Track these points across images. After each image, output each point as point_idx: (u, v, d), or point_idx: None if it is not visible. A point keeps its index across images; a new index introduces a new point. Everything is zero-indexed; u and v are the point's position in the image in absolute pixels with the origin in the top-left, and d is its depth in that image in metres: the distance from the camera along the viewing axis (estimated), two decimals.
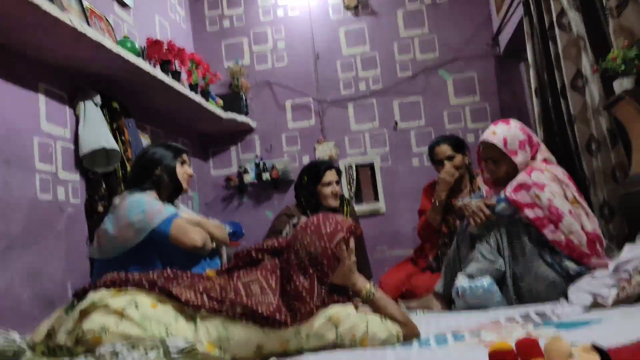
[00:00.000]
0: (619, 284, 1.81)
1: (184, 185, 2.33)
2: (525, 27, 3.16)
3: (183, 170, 2.34)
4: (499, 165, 2.29)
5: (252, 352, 1.55)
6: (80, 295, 1.59)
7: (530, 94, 3.50)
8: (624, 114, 2.08)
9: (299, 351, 1.57)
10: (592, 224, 2.12)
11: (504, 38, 3.94)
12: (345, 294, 1.70)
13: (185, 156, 2.36)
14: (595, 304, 1.80)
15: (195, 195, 4.25)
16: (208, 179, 4.42)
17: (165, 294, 1.57)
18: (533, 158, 2.28)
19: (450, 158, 2.90)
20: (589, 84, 2.59)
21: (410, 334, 1.65)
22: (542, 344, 0.99)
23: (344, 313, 1.60)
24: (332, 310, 1.59)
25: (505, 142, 2.25)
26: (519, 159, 2.25)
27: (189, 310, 1.55)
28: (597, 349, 0.91)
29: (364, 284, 1.72)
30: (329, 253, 1.64)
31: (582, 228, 2.10)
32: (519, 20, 3.40)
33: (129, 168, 2.84)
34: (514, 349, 1.02)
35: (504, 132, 2.29)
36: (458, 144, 2.94)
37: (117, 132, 2.86)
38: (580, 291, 1.91)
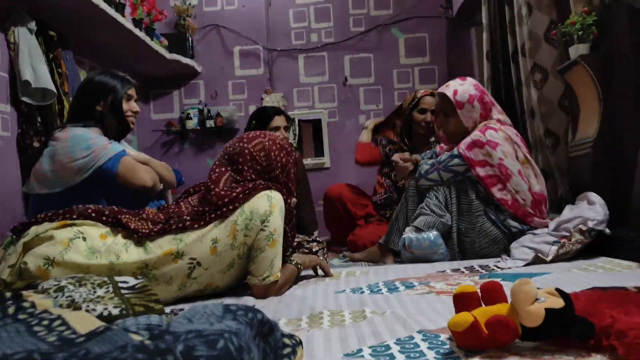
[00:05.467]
0: (559, 241, 1.90)
1: (130, 124, 2.17)
2: None
3: (129, 107, 2.16)
4: (449, 118, 2.35)
5: (208, 248, 1.55)
6: (20, 230, 1.48)
7: (480, 58, 3.55)
8: (576, 79, 2.14)
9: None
10: (539, 185, 2.21)
11: (457, 0, 3.95)
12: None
13: (133, 90, 2.17)
14: (536, 259, 1.88)
15: (134, 139, 4.06)
16: (148, 122, 4.23)
17: (113, 223, 1.53)
18: (487, 117, 2.32)
19: (433, 112, 2.91)
20: (539, 49, 2.62)
21: (277, 286, 1.64)
22: (505, 290, 1.02)
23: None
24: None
25: (455, 93, 2.31)
26: (463, 111, 2.30)
27: (137, 238, 1.53)
28: (561, 292, 0.94)
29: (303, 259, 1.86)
30: (245, 152, 1.70)
31: (530, 188, 2.18)
32: None
33: (65, 103, 2.66)
34: (478, 292, 1.03)
35: (457, 85, 2.35)
36: None
37: (53, 64, 2.66)
38: (522, 247, 1.99)
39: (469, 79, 2.38)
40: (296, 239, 2.19)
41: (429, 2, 4.18)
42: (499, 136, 2.20)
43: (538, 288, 0.96)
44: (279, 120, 2.92)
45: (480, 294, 1.03)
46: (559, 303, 0.92)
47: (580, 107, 2.20)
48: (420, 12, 4.18)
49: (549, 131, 2.50)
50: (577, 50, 2.06)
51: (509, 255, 2.04)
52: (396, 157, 2.49)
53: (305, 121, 4.22)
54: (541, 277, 1.63)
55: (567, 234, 1.91)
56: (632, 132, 1.92)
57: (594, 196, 1.97)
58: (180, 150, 4.25)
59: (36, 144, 2.42)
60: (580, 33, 2.02)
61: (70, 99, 2.68)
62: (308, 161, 4.13)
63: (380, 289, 1.62)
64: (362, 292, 1.59)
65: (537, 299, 0.93)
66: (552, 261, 1.87)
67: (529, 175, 2.19)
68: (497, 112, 2.35)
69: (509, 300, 0.98)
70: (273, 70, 4.24)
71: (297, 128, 4.16)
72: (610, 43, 2.03)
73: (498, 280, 1.64)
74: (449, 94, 2.31)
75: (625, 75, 1.96)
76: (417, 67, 4.22)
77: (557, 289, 0.96)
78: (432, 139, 2.97)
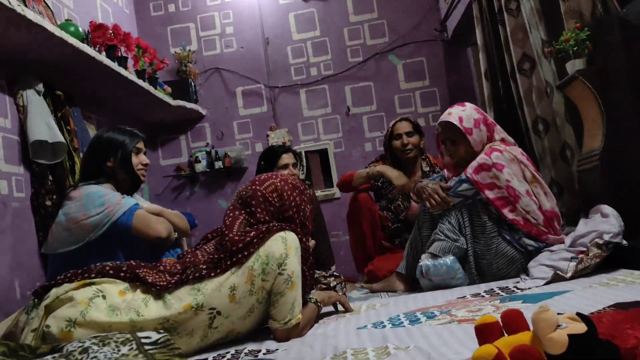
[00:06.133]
0: (576, 257, 1.88)
1: (141, 177, 2.19)
2: (475, 12, 3.22)
3: (139, 160, 2.18)
4: (457, 146, 2.33)
5: (227, 296, 1.55)
6: (40, 293, 1.51)
7: (479, 77, 3.58)
8: (576, 94, 2.16)
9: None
10: (550, 202, 2.19)
11: (452, 23, 4.01)
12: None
13: (141, 144, 2.20)
14: (555, 277, 1.87)
15: (145, 187, 4.11)
16: (157, 169, 4.29)
17: (131, 278, 1.54)
18: (491, 139, 2.33)
19: (409, 134, 2.96)
20: (536, 67, 2.66)
21: (299, 329, 1.63)
22: (526, 315, 1.02)
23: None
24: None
25: (460, 120, 2.30)
26: (474, 136, 2.29)
27: (156, 291, 1.54)
28: (582, 316, 0.94)
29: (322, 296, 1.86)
30: (258, 195, 1.70)
31: (540, 207, 2.17)
32: (467, 6, 3.47)
33: (76, 159, 2.71)
34: (499, 321, 1.03)
35: (459, 111, 2.34)
36: (417, 126, 3.03)
37: (61, 122, 2.72)
38: (540, 265, 1.98)
39: (468, 104, 2.39)
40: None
41: (423, 26, 4.25)
42: (505, 158, 2.20)
43: (558, 314, 0.96)
44: (286, 158, 2.94)
45: (501, 324, 1.03)
46: (581, 328, 0.92)
47: (583, 121, 2.20)
48: (416, 37, 4.25)
49: (567, 144, 2.52)
50: (573, 65, 2.08)
51: (527, 275, 2.03)
52: (430, 189, 2.32)
53: (312, 152, 4.26)
54: (562, 295, 1.62)
55: (584, 248, 1.90)
56: (636, 141, 1.92)
57: (606, 208, 1.96)
58: (191, 193, 4.29)
59: (48, 203, 2.47)
60: (575, 49, 2.05)
61: (80, 154, 2.74)
62: (318, 193, 4.15)
63: (402, 322, 1.61)
64: (384, 327, 1.58)
65: (558, 326, 0.92)
66: (572, 278, 1.85)
67: (539, 193, 2.18)
68: (499, 132, 2.36)
69: (531, 326, 0.98)
70: (276, 107, 4.30)
71: (304, 159, 4.20)
72: (605, 56, 2.05)
73: (519, 302, 1.65)
74: (455, 121, 2.30)
75: (624, 86, 1.97)
76: (417, 91, 4.26)
77: (578, 313, 0.95)
78: (427, 168, 3.00)
